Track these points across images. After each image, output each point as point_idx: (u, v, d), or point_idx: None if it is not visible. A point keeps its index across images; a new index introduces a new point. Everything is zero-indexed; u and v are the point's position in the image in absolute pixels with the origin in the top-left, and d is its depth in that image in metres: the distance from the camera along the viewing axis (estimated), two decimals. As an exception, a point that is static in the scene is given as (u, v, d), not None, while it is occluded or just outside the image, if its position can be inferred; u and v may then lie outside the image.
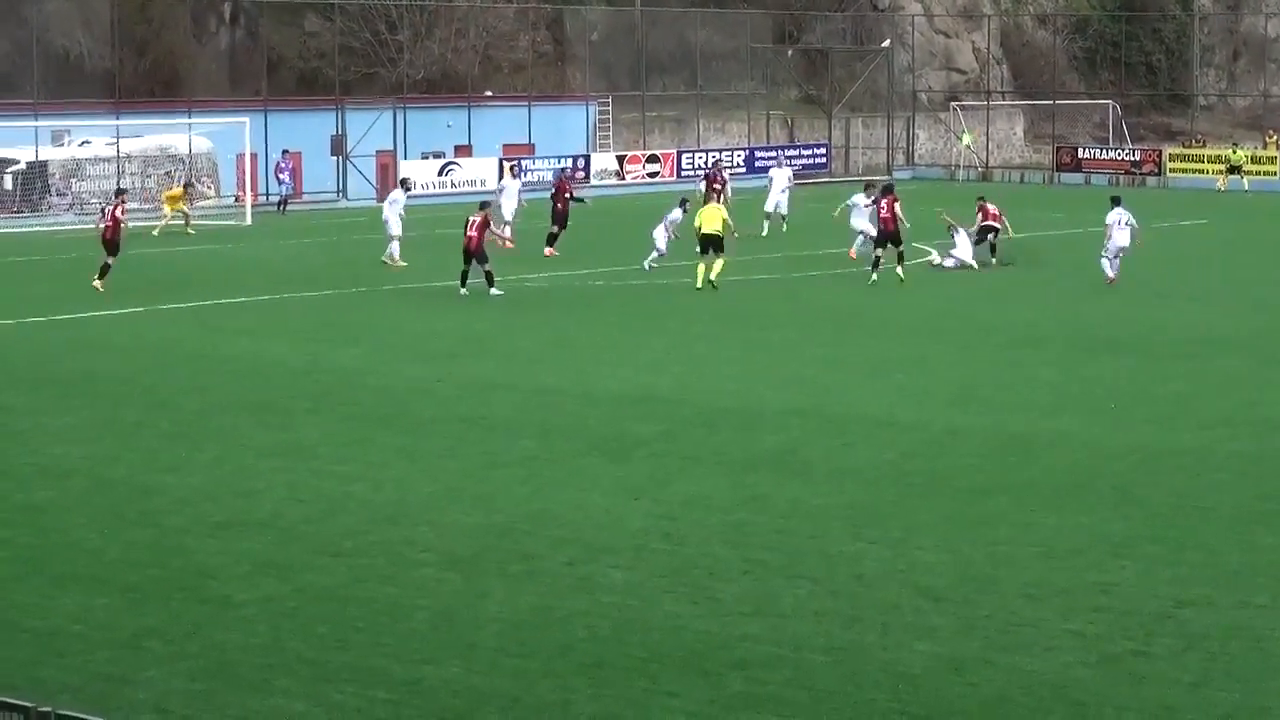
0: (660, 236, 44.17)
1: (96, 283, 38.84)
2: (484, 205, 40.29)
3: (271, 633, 15.44)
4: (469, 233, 37.64)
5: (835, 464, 22.35)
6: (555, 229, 48.20)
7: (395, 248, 45.08)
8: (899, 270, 41.38)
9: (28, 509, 19.94)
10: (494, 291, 36.86)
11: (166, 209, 56.67)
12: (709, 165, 60.79)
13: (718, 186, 52.51)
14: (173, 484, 21.10)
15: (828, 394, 27.33)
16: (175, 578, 17.14)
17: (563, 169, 62.42)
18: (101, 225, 40.05)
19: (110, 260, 39.46)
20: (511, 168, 55.36)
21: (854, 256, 45.72)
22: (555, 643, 15.20)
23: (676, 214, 44.79)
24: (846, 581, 17.06)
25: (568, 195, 49.26)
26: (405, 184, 50.48)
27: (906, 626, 15.66)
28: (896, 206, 41.82)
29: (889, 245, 41.42)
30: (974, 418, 25.39)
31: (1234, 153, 78.58)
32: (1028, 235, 52.20)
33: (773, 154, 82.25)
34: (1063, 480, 21.41)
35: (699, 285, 39.69)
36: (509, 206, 50.95)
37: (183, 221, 55.94)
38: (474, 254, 37.48)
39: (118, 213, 40.07)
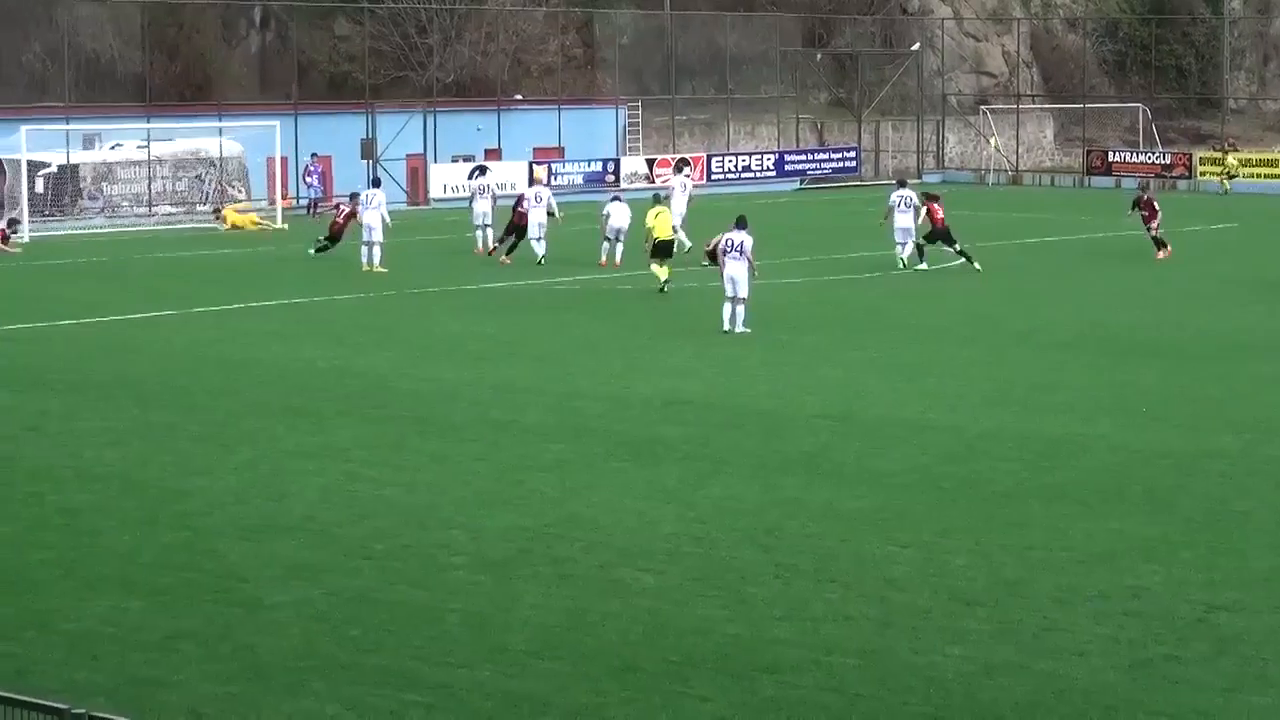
0: (539, 225, 46.01)
1: None
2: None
3: (303, 635, 15.48)
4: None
5: (866, 467, 22.33)
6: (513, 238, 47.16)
7: (377, 253, 45.24)
8: (975, 265, 44.27)
9: (62, 512, 20.02)
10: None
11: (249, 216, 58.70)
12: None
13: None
14: (205, 487, 21.16)
15: (859, 397, 27.30)
16: (208, 580, 17.19)
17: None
18: None
19: None
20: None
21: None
22: (587, 646, 15.21)
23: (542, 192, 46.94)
24: (878, 585, 17.04)
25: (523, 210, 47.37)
26: (377, 181, 51.45)
27: (938, 631, 15.64)
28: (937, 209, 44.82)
29: (940, 244, 44.59)
30: (1006, 421, 25.35)
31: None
32: (1057, 239, 52.09)
33: (803, 155, 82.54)
34: (1095, 484, 21.36)
35: (662, 288, 40.12)
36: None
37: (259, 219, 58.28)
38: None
39: None
